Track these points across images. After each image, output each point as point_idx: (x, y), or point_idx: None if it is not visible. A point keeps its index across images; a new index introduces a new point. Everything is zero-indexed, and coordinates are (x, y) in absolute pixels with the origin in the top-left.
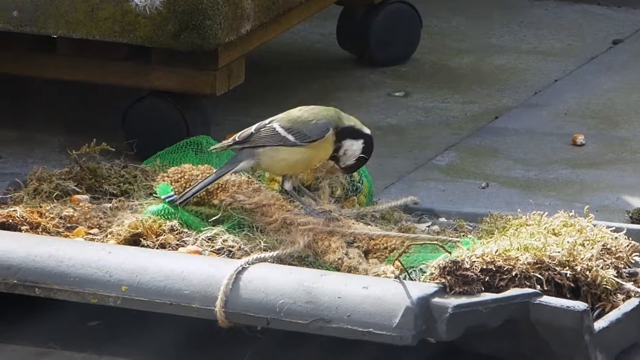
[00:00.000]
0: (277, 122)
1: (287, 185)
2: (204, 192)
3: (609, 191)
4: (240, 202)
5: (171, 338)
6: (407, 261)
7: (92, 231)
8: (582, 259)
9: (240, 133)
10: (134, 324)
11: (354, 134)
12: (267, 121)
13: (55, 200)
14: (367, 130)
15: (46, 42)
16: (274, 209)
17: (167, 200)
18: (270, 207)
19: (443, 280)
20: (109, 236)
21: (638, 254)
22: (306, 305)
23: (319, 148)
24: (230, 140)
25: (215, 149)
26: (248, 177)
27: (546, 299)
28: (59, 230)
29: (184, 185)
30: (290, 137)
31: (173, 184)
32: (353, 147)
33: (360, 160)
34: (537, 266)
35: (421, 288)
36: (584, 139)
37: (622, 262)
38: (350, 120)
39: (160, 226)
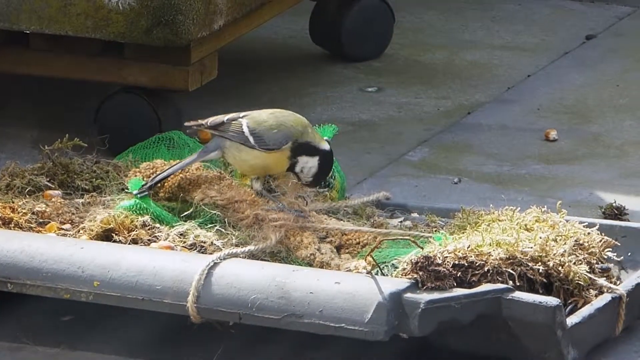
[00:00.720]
0: (246, 120)
1: (256, 186)
2: (175, 188)
3: (581, 186)
4: (212, 198)
5: (144, 333)
6: (379, 256)
7: (64, 227)
8: (554, 254)
9: (213, 118)
10: (107, 319)
11: (310, 150)
12: (241, 115)
13: (27, 196)
14: (326, 147)
15: (19, 37)
16: (245, 205)
17: (139, 195)
18: (242, 204)
19: (415, 276)
20: (81, 232)
21: (610, 249)
22: (278, 301)
23: (275, 158)
24: (202, 122)
25: (190, 125)
26: (220, 172)
27: (518, 295)
28: (32, 225)
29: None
30: (251, 139)
31: (145, 179)
32: (308, 165)
33: (316, 178)
34: (509, 262)
35: (393, 283)
36: (557, 135)
37: (595, 258)
38: (312, 137)
39: (132, 222)
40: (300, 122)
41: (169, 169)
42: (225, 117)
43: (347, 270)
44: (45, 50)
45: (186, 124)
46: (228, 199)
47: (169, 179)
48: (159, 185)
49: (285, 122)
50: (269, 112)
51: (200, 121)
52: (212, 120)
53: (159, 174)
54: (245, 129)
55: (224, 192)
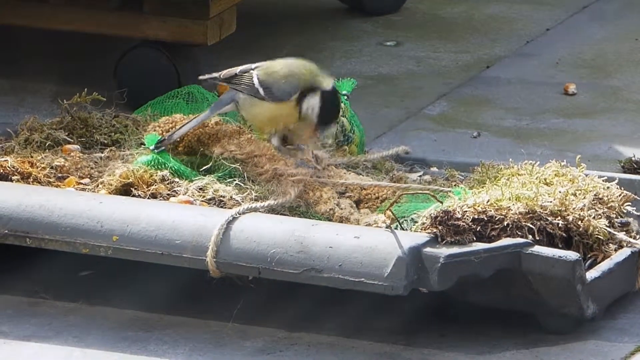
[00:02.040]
0: (257, 72)
1: (274, 141)
2: (195, 142)
3: (600, 141)
4: (231, 152)
5: (163, 288)
6: (398, 211)
7: (83, 181)
8: (574, 208)
9: (226, 71)
10: (126, 274)
11: (313, 90)
12: (252, 66)
13: (46, 150)
14: (327, 87)
15: None
16: (265, 159)
17: (156, 150)
18: (261, 158)
19: (435, 230)
20: (100, 186)
21: (630, 203)
22: (298, 255)
23: (285, 109)
24: (216, 74)
25: (204, 78)
26: (240, 127)
27: (538, 249)
28: (50, 180)
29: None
30: (261, 91)
31: (164, 134)
32: (311, 104)
33: (320, 117)
34: (528, 216)
35: (413, 238)
36: (576, 89)
37: (614, 212)
38: (319, 78)
39: (151, 176)
40: (310, 71)
41: (183, 125)
42: (237, 69)
43: (366, 225)
44: (65, 4)
45: (200, 77)
46: (247, 153)
47: (188, 133)
48: (178, 139)
49: (294, 71)
50: (281, 62)
51: (214, 74)
52: (225, 72)
53: (175, 131)
54: (256, 81)
55: (244, 146)
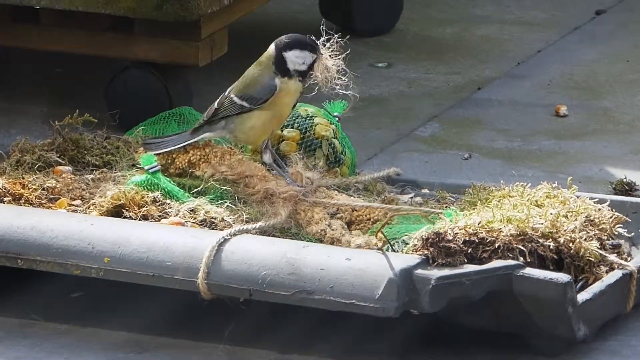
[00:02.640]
0: (233, 92)
1: (266, 158)
2: (186, 163)
3: (592, 162)
4: (222, 173)
5: (154, 310)
6: (389, 232)
7: (74, 202)
8: (565, 230)
9: (206, 112)
10: (117, 295)
11: (279, 57)
12: (226, 92)
13: (37, 172)
14: (290, 38)
15: (29, 12)
16: (256, 180)
17: (150, 171)
18: (252, 179)
19: (426, 252)
20: (91, 207)
21: (621, 225)
22: (289, 277)
23: (278, 102)
24: (200, 121)
25: (195, 127)
26: (230, 147)
27: (529, 271)
28: (42, 201)
29: (165, 157)
30: (245, 104)
31: (156, 155)
32: (290, 58)
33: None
34: (520, 238)
35: (404, 260)
36: (567, 110)
37: (606, 234)
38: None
39: (142, 197)
40: (264, 57)
41: (173, 143)
42: (214, 105)
43: (357, 247)
44: (56, 25)
45: (192, 129)
46: (239, 174)
47: (179, 155)
48: (169, 161)
49: (257, 66)
50: (245, 73)
51: (199, 120)
52: (206, 114)
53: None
54: (236, 99)
55: (234, 167)
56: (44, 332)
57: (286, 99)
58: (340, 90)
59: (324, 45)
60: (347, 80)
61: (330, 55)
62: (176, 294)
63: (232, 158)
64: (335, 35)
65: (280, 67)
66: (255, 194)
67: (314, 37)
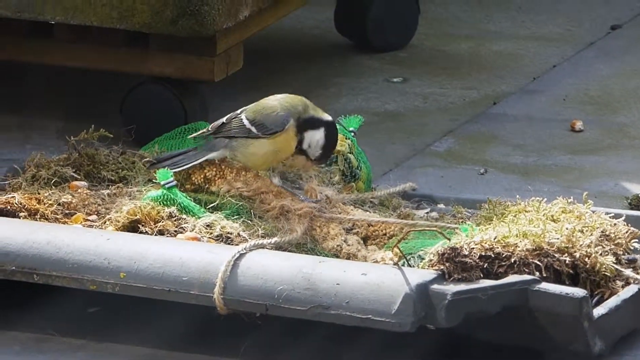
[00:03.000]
0: (244, 113)
1: (276, 181)
2: (202, 179)
3: (607, 177)
4: (238, 189)
5: (170, 325)
6: (405, 248)
7: (90, 217)
8: (581, 245)
9: (213, 123)
10: (133, 310)
11: (314, 123)
12: (238, 111)
13: (53, 187)
14: (328, 118)
15: (44, 28)
16: (271, 196)
17: (167, 186)
18: (268, 195)
19: (442, 267)
20: (107, 222)
21: (637, 240)
22: (305, 292)
23: (282, 141)
24: (204, 130)
25: (194, 137)
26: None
27: (545, 286)
28: (57, 216)
29: (182, 172)
30: (253, 129)
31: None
32: (315, 137)
33: (325, 150)
34: (535, 253)
35: (420, 275)
36: (583, 125)
37: (621, 249)
38: (314, 111)
39: (158, 213)
40: (299, 100)
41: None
42: (222, 120)
43: (373, 262)
44: (70, 40)
45: (189, 136)
46: (254, 190)
47: (194, 171)
48: (185, 177)
49: (282, 102)
50: (266, 99)
51: (202, 130)
52: (212, 125)
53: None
54: (245, 122)
55: (250, 183)
56: (60, 347)
57: (292, 141)
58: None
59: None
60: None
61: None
62: (192, 309)
63: (248, 174)
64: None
65: (298, 133)
66: (270, 210)
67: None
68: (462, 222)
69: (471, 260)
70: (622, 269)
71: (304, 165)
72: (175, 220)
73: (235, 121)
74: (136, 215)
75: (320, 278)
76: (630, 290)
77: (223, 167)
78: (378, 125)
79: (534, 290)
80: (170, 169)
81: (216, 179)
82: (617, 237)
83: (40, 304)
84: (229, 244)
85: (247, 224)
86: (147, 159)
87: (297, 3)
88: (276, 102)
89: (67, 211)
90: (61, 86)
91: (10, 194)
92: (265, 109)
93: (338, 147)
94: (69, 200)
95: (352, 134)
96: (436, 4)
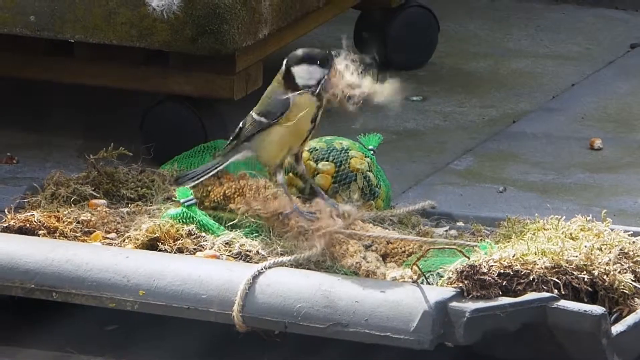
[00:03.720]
0: (254, 111)
1: (279, 178)
2: (221, 197)
3: (626, 195)
4: (255, 210)
5: (189, 342)
6: (424, 265)
7: (109, 236)
8: (599, 263)
9: (231, 136)
10: (152, 328)
11: (289, 69)
12: (251, 113)
13: (72, 205)
14: (300, 52)
15: (64, 46)
16: (290, 216)
17: (186, 204)
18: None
19: (461, 285)
20: (126, 241)
21: None
22: (324, 310)
23: (292, 117)
24: (225, 147)
25: (218, 154)
26: (265, 181)
27: (564, 303)
28: (77, 234)
29: (201, 190)
30: (263, 120)
31: (191, 189)
32: (299, 73)
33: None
34: (554, 270)
35: (439, 292)
36: (602, 143)
37: None
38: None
39: (177, 231)
40: (280, 71)
41: (202, 172)
42: (239, 125)
43: (392, 279)
44: (90, 59)
45: (214, 154)
46: (272, 211)
47: (214, 188)
48: (205, 194)
49: (273, 83)
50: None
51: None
52: (230, 139)
53: (194, 174)
54: (256, 117)
55: (268, 203)
56: None
57: (301, 113)
58: (353, 108)
59: (344, 63)
60: (360, 99)
61: (345, 72)
62: (211, 327)
63: (267, 191)
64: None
65: (290, 82)
66: (289, 231)
67: (333, 52)
68: (481, 240)
69: (490, 278)
70: None
71: (334, 94)
72: (194, 238)
73: (248, 120)
74: (155, 233)
75: (339, 296)
76: None
77: (242, 184)
78: (397, 143)
79: (552, 307)
80: (197, 180)
81: (235, 196)
82: (636, 254)
83: (59, 322)
84: (247, 261)
85: (265, 242)
86: (174, 175)
87: (316, 22)
88: (268, 93)
89: (86, 229)
90: (81, 104)
91: (29, 212)
92: (265, 96)
93: (357, 166)
94: (88, 218)
95: (372, 152)
96: (456, 23)
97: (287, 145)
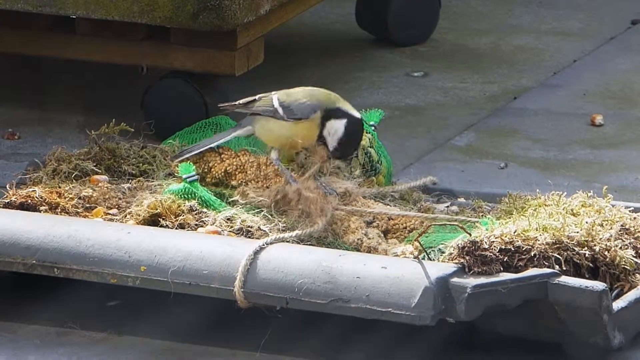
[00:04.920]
0: (276, 95)
1: (273, 155)
2: (222, 173)
3: (627, 171)
4: (251, 198)
5: (190, 318)
6: (426, 241)
7: (111, 211)
8: (600, 239)
9: (245, 99)
10: (153, 303)
11: (338, 114)
12: (272, 92)
13: (74, 181)
14: (355, 113)
15: (65, 22)
16: (289, 198)
17: (188, 180)
18: (285, 199)
19: (462, 261)
20: (127, 216)
21: None
22: (325, 285)
23: (304, 128)
24: (235, 103)
25: (224, 106)
26: (267, 158)
27: (565, 279)
28: (78, 210)
29: (202, 166)
30: (280, 111)
31: (193, 164)
32: (334, 127)
33: (342, 143)
34: (555, 246)
35: (440, 268)
36: (603, 119)
37: None
38: (343, 105)
39: (179, 206)
40: (330, 95)
41: (199, 146)
42: (257, 96)
43: (394, 255)
44: (92, 35)
45: (220, 105)
46: (271, 198)
47: (215, 165)
48: (206, 171)
49: (315, 94)
50: (299, 89)
51: (233, 102)
52: (244, 100)
53: (191, 148)
54: (275, 102)
55: (266, 186)
56: (80, 341)
57: (314, 130)
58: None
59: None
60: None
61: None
62: (213, 302)
63: (268, 169)
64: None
65: (322, 122)
66: (290, 213)
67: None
68: (482, 216)
69: (491, 254)
70: None
71: (321, 156)
72: (195, 214)
73: (265, 99)
74: (157, 209)
75: (341, 271)
76: None
77: (244, 160)
78: (399, 119)
79: (553, 283)
80: (196, 151)
81: (237, 172)
82: (637, 230)
83: (61, 298)
84: (249, 237)
85: (267, 218)
86: (175, 152)
87: None
88: (309, 92)
89: (87, 205)
90: (82, 80)
91: (31, 187)
92: (296, 94)
93: None
94: (90, 194)
95: (373, 128)
96: None
97: (279, 144)
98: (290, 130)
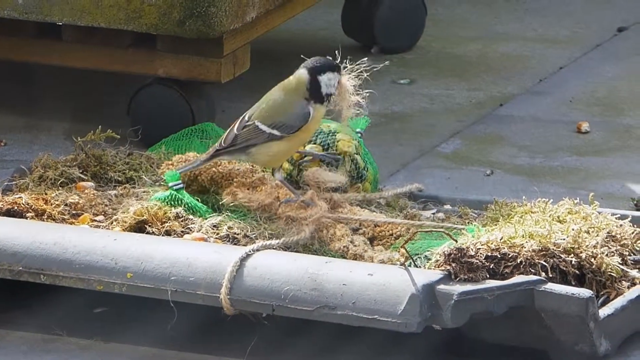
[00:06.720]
0: (258, 120)
1: (278, 176)
2: (208, 181)
3: (613, 178)
4: (240, 200)
5: (177, 325)
6: (412, 248)
7: (97, 218)
8: (587, 246)
9: (223, 137)
10: (140, 311)
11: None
12: (246, 117)
13: (60, 187)
14: (321, 60)
15: (52, 29)
16: (276, 205)
17: (175, 188)
18: (272, 205)
19: (448, 268)
20: (114, 223)
21: None
22: (311, 292)
23: (307, 129)
24: (212, 149)
25: (208, 154)
26: (252, 165)
27: (551, 286)
28: (64, 217)
29: (188, 174)
30: (276, 132)
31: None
32: (324, 81)
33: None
34: (542, 253)
35: (426, 275)
36: (589, 127)
37: (627, 249)
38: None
39: (165, 213)
40: (292, 82)
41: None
42: (234, 131)
43: (380, 262)
44: (78, 42)
45: (202, 159)
46: (258, 202)
47: (201, 172)
48: (192, 178)
49: (283, 92)
50: (264, 99)
51: (215, 146)
52: (224, 139)
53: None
54: (264, 128)
55: (254, 191)
56: (67, 347)
57: (316, 125)
58: (359, 111)
59: (344, 67)
60: (365, 99)
61: (349, 77)
62: (199, 309)
63: (253, 176)
64: (348, 61)
65: (315, 92)
66: (277, 219)
67: (330, 58)
68: (468, 222)
69: (477, 261)
70: (628, 270)
71: (313, 161)
72: (182, 221)
73: (250, 129)
74: (143, 216)
75: (327, 278)
76: (636, 290)
77: (229, 168)
78: (385, 126)
79: (540, 290)
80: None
81: (223, 181)
82: (623, 238)
83: (47, 305)
84: (235, 244)
85: (253, 225)
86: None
87: (304, 5)
88: (278, 96)
89: (74, 212)
90: (68, 87)
91: (17, 194)
92: (278, 106)
93: (345, 149)
94: (76, 200)
95: (359, 135)
96: (443, 6)
97: (291, 154)
98: (297, 137)
